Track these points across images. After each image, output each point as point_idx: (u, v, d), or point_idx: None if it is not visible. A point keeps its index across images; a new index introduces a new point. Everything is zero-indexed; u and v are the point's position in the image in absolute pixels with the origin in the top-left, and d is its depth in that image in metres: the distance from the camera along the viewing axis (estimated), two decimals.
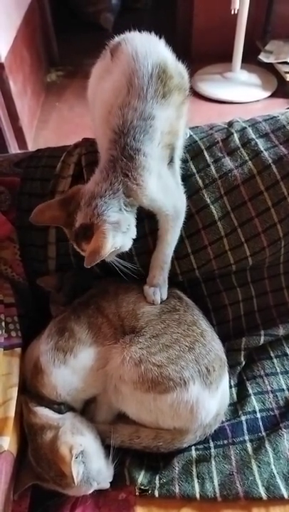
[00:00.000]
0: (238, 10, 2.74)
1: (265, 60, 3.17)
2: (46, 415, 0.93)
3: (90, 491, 0.88)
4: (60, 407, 0.95)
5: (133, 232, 0.93)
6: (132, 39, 0.94)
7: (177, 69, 0.96)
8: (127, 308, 1.01)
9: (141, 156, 0.88)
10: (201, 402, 0.93)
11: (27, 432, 0.94)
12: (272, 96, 3.05)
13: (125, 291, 1.04)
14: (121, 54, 0.92)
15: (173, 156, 0.99)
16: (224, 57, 3.15)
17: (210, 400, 0.95)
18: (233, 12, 2.72)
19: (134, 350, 0.94)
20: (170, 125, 0.93)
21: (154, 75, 0.88)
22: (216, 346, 1.00)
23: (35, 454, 0.90)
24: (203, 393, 0.94)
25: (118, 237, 0.88)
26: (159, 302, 1.03)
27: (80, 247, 0.91)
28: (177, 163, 1.03)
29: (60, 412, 0.95)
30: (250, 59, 3.18)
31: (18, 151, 2.39)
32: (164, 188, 0.94)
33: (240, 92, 3.06)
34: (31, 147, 2.55)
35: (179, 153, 1.03)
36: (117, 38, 0.98)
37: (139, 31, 0.99)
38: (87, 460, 0.86)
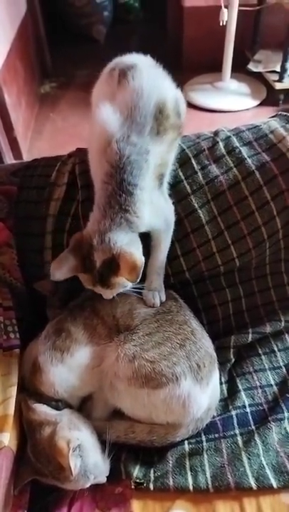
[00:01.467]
0: (226, 21, 2.80)
1: (254, 70, 3.23)
2: (44, 412, 0.96)
3: (88, 485, 0.90)
4: (57, 403, 0.98)
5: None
6: (140, 71, 0.97)
7: (176, 108, 1.01)
8: (122, 308, 1.04)
9: (138, 190, 0.92)
10: (192, 396, 0.97)
11: (26, 429, 0.97)
12: (261, 104, 3.11)
13: (120, 294, 1.08)
14: (127, 84, 0.96)
15: (162, 180, 1.04)
16: (214, 67, 3.20)
17: (201, 394, 0.99)
18: (221, 23, 2.78)
19: (127, 347, 0.98)
20: (161, 158, 0.99)
21: (153, 115, 0.93)
22: (206, 344, 1.04)
23: (34, 449, 0.93)
24: (195, 388, 0.97)
25: (138, 249, 0.92)
26: (159, 305, 1.07)
27: (107, 284, 0.91)
28: (165, 183, 1.07)
29: (57, 408, 0.98)
30: (240, 68, 3.23)
31: (14, 162, 2.43)
32: (156, 211, 1.00)
33: (230, 101, 3.11)
34: (26, 157, 2.59)
35: (167, 178, 1.08)
36: (128, 60, 1.02)
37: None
38: (84, 454, 0.89)
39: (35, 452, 0.92)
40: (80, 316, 1.04)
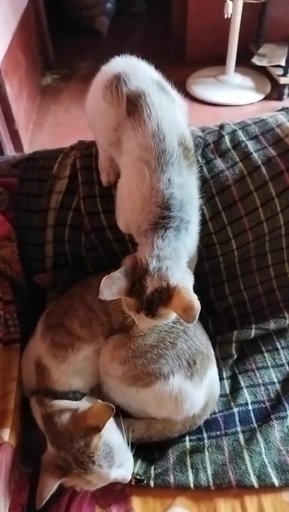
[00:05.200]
0: (231, 14, 2.77)
1: (259, 64, 3.21)
2: (64, 404, 0.95)
3: (112, 475, 0.87)
4: (75, 395, 0.98)
5: None
6: (152, 104, 0.91)
7: (190, 138, 0.98)
8: (114, 303, 1.01)
9: (191, 225, 0.91)
10: (184, 392, 0.97)
11: (43, 424, 0.94)
12: (265, 99, 3.09)
13: None
14: (143, 123, 0.90)
15: None
16: (218, 60, 3.18)
17: (194, 390, 0.98)
18: (226, 16, 2.76)
19: (122, 353, 0.97)
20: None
21: (182, 153, 0.90)
22: (197, 342, 1.02)
23: (55, 437, 0.90)
24: (186, 384, 0.97)
25: (191, 286, 0.87)
26: None
27: (153, 313, 0.85)
28: None
29: (76, 399, 0.97)
30: (244, 62, 3.21)
31: (15, 154, 2.42)
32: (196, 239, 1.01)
33: (234, 95, 3.09)
34: (27, 150, 2.58)
35: None
36: (134, 85, 0.93)
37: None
38: (107, 431, 0.88)
39: (57, 439, 0.90)
40: (70, 307, 1.02)
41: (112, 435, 0.90)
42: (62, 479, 0.87)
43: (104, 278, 0.82)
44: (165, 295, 0.82)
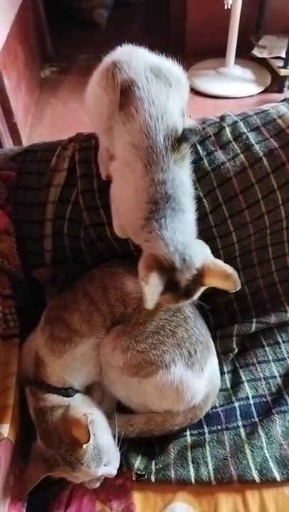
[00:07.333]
0: (231, 5, 2.75)
1: (259, 55, 3.19)
2: (56, 399, 0.95)
3: (99, 473, 0.88)
4: (67, 391, 0.97)
5: None
6: (141, 96, 0.89)
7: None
8: (115, 295, 1.02)
9: (186, 214, 0.90)
10: (185, 382, 0.96)
11: (35, 417, 0.95)
12: (265, 91, 3.07)
13: (111, 276, 1.05)
14: (132, 118, 0.89)
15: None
16: (218, 52, 3.16)
17: (194, 380, 0.98)
18: (226, 7, 2.74)
19: (124, 340, 0.97)
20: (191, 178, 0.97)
21: (170, 147, 0.88)
22: (197, 332, 1.02)
23: (45, 434, 0.91)
24: (187, 373, 0.97)
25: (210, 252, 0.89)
26: None
27: (191, 296, 0.86)
28: None
29: (68, 395, 0.97)
30: (244, 54, 3.19)
31: (12, 147, 2.40)
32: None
33: (234, 87, 3.07)
34: (26, 143, 2.56)
35: None
36: (126, 74, 0.91)
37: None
38: (97, 432, 0.88)
39: (46, 436, 0.91)
40: (73, 301, 1.02)
41: (103, 436, 0.90)
42: (48, 473, 0.89)
43: (145, 287, 0.78)
44: (197, 278, 0.84)
